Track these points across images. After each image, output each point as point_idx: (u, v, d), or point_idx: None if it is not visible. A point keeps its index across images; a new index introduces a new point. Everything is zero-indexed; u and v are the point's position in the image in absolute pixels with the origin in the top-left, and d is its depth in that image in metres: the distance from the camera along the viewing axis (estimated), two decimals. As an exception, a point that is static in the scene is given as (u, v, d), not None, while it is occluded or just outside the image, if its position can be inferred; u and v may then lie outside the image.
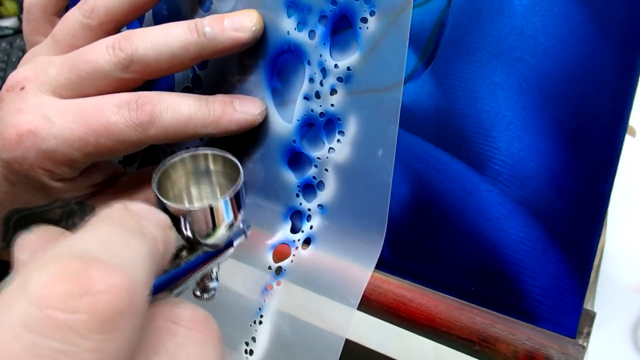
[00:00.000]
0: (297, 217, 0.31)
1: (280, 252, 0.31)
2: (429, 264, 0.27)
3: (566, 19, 0.22)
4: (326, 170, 0.29)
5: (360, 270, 0.29)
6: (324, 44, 0.28)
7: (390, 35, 0.26)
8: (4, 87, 0.29)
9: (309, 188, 0.30)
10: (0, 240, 0.32)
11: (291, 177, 0.31)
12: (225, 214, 0.22)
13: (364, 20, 0.26)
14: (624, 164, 0.23)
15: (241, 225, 0.24)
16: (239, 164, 0.23)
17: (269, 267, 0.31)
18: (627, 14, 0.21)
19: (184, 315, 0.17)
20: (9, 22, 0.88)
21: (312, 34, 0.28)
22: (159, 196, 0.21)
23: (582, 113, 0.22)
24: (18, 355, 0.12)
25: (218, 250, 0.23)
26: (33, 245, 0.18)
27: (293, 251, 0.30)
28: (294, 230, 0.31)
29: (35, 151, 0.26)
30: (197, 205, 0.23)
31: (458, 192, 0.26)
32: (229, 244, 0.24)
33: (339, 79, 0.28)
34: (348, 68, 0.27)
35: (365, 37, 0.26)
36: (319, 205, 0.30)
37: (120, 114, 0.26)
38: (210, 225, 0.22)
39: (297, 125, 0.30)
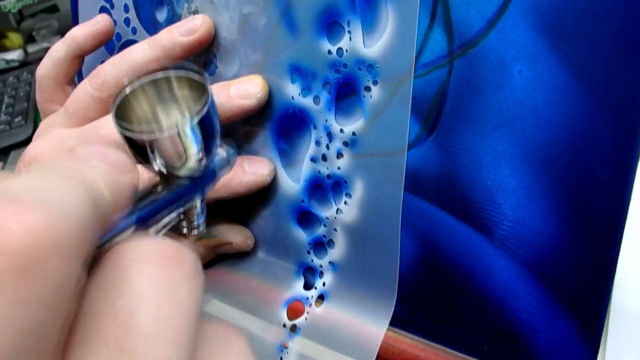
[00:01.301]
0: (309, 273, 0.31)
1: (294, 309, 0.31)
2: (441, 321, 0.28)
3: (565, 93, 0.22)
4: (335, 230, 0.30)
5: (374, 328, 0.29)
6: (329, 110, 0.28)
7: (393, 103, 0.26)
8: (21, 161, 0.30)
9: (320, 246, 0.31)
10: None
11: (301, 235, 0.31)
12: (194, 140, 0.19)
13: (368, 89, 0.27)
14: None
15: (224, 154, 0.21)
16: (206, 84, 0.19)
17: (284, 325, 0.31)
18: (625, 90, 0.21)
19: (151, 251, 0.14)
20: (15, 55, 0.89)
21: (316, 99, 0.28)
22: (119, 126, 0.18)
23: (584, 184, 0.23)
24: None
25: (198, 183, 0.20)
26: None
27: (307, 308, 0.31)
28: (307, 286, 0.31)
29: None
30: (158, 132, 0.19)
31: (466, 255, 0.26)
32: (210, 174, 0.21)
33: (345, 144, 0.28)
34: (353, 133, 0.28)
35: (369, 104, 0.27)
36: (330, 262, 0.30)
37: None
38: (182, 152, 0.19)
39: (304, 186, 0.30)
